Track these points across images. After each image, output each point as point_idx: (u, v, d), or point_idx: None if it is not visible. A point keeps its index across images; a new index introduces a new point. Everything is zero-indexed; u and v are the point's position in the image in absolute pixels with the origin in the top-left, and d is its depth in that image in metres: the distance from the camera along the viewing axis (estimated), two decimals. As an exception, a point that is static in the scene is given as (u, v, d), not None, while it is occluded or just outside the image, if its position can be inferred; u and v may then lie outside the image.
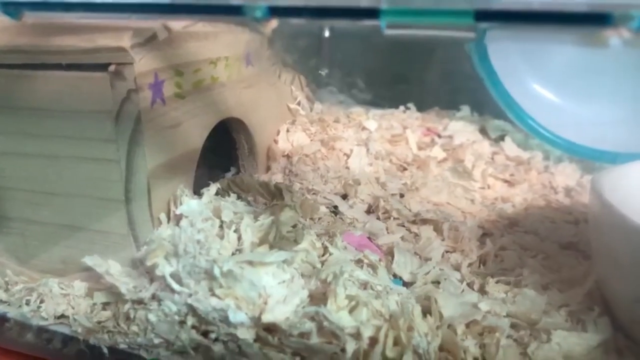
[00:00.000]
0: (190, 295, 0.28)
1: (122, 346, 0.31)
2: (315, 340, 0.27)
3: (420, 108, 0.60)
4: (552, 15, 0.17)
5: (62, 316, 0.32)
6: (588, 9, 0.16)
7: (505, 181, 0.48)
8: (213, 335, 0.29)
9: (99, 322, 0.31)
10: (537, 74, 0.52)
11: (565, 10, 0.17)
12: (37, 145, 0.31)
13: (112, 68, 0.28)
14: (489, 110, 0.56)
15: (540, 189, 0.47)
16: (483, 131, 0.55)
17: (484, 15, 0.18)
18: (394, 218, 0.40)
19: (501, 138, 0.54)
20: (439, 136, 0.54)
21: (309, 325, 0.27)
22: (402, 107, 0.60)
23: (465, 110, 0.59)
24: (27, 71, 0.30)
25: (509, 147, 0.52)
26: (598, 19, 0.16)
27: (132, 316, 0.30)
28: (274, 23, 0.42)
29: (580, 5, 0.17)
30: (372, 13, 0.19)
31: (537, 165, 0.50)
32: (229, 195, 0.36)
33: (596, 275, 0.31)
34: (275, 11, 0.21)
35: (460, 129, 0.55)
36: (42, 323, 0.32)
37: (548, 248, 0.37)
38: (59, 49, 0.29)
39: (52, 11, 0.24)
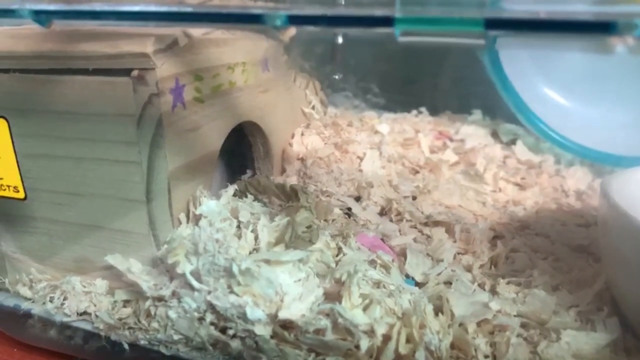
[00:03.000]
0: (209, 292, 0.29)
1: (143, 342, 0.31)
2: (330, 336, 0.28)
3: (433, 112, 0.61)
4: (559, 24, 0.17)
5: (85, 313, 0.33)
6: (593, 18, 0.17)
7: (517, 184, 0.48)
8: (231, 332, 0.29)
9: (120, 319, 0.32)
10: (547, 78, 0.52)
11: (571, 19, 0.17)
12: (62, 148, 0.32)
13: (135, 73, 0.29)
14: (501, 114, 0.56)
15: (551, 192, 0.47)
16: (495, 135, 0.56)
17: (493, 23, 0.19)
18: (407, 220, 0.41)
19: (512, 142, 0.54)
20: (451, 140, 0.55)
21: (324, 322, 0.28)
22: (414, 111, 0.61)
23: (477, 114, 0.60)
24: (54, 76, 0.31)
25: (521, 150, 0.52)
26: (603, 28, 0.17)
27: (152, 313, 0.31)
28: (292, 31, 0.43)
29: (585, 14, 0.17)
30: (386, 21, 0.20)
31: (548, 168, 0.50)
32: (246, 197, 0.37)
33: (606, 277, 0.32)
34: (294, 19, 0.22)
35: (472, 132, 0.55)
36: (65, 319, 0.33)
37: (559, 250, 0.37)
38: (85, 55, 0.30)
39: (80, 19, 0.25)
